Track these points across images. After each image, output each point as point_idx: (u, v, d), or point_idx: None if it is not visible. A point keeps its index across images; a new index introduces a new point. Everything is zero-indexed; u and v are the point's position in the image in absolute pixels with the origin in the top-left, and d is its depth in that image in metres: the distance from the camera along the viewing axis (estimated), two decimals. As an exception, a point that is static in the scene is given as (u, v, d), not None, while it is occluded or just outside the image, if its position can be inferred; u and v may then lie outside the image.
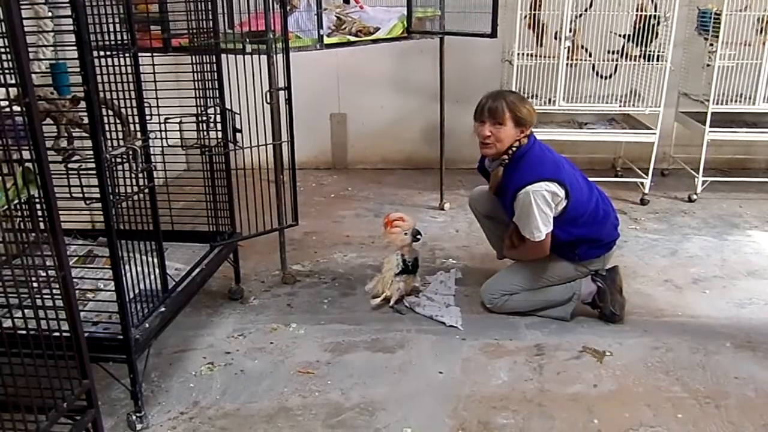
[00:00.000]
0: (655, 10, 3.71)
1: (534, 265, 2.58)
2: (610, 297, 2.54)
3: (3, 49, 1.33)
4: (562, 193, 2.40)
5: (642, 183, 3.97)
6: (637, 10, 3.73)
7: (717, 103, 3.78)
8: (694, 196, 3.98)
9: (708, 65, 3.85)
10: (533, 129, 2.52)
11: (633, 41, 3.75)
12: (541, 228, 2.42)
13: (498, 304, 2.60)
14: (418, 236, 2.72)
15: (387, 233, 2.71)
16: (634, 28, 3.75)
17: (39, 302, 1.42)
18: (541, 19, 3.78)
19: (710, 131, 3.83)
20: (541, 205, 2.39)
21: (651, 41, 3.72)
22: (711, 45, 3.80)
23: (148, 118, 2.02)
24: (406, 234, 2.69)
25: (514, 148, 2.48)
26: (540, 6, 3.74)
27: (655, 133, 3.83)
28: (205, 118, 2.40)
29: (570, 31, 3.70)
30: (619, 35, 3.78)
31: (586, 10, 3.76)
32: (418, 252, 2.77)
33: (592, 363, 2.30)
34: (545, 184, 2.39)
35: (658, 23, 3.69)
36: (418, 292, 2.80)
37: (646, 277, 2.97)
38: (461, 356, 2.35)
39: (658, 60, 3.74)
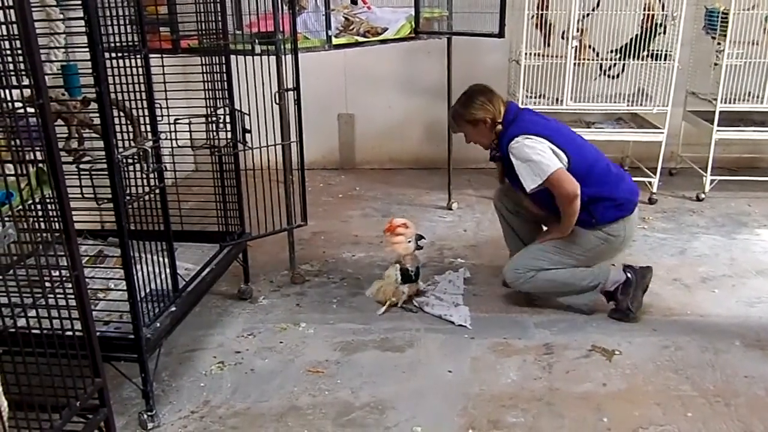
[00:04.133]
0: (663, 10, 3.70)
1: (557, 240, 2.55)
2: (633, 292, 2.53)
3: (16, 51, 1.35)
4: (543, 144, 2.41)
5: (650, 182, 3.96)
6: (644, 10, 3.72)
7: (725, 102, 3.77)
8: (703, 195, 3.96)
9: (716, 64, 3.84)
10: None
11: (639, 41, 3.74)
12: (547, 163, 2.38)
13: (521, 281, 2.56)
14: (421, 242, 2.73)
15: (390, 241, 2.70)
16: (642, 27, 3.74)
17: (52, 302, 1.43)
18: (548, 19, 3.78)
19: (718, 130, 3.81)
20: (533, 145, 2.40)
21: (655, 39, 3.71)
22: (719, 44, 3.79)
23: (158, 118, 2.03)
24: (409, 241, 2.69)
25: (497, 133, 2.55)
26: (547, 6, 3.74)
27: (663, 132, 3.82)
28: (214, 118, 2.41)
29: (577, 30, 3.70)
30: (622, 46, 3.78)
31: (593, 10, 3.75)
32: (420, 260, 2.76)
33: (602, 362, 2.30)
34: (523, 136, 2.43)
35: (662, 26, 3.69)
36: (423, 293, 2.79)
37: (654, 276, 2.93)
38: (470, 355, 2.35)
39: (665, 59, 3.73)
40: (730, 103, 3.78)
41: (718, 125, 3.80)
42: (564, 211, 2.47)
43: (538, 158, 2.39)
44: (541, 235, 2.67)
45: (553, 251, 2.55)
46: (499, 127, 2.53)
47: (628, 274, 2.56)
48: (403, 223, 2.71)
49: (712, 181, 3.93)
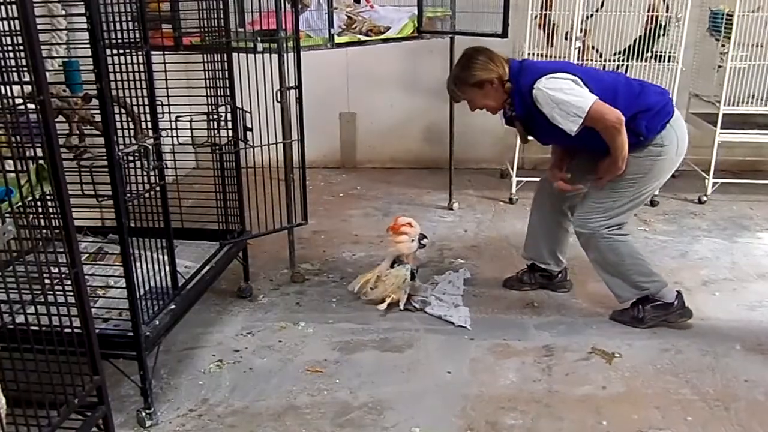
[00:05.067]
0: (667, 11, 3.69)
1: (616, 180, 2.40)
2: (663, 316, 2.50)
3: (17, 47, 1.34)
4: (567, 79, 2.27)
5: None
6: (648, 11, 3.71)
7: (728, 105, 3.76)
8: (705, 198, 3.95)
9: (719, 66, 3.82)
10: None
11: (643, 42, 3.73)
12: (580, 98, 2.23)
13: (593, 226, 2.43)
14: (424, 241, 2.72)
15: (394, 240, 2.69)
16: (645, 28, 3.73)
17: (51, 299, 1.43)
18: (551, 20, 3.77)
19: (721, 133, 3.80)
20: (558, 86, 2.24)
21: (658, 41, 3.70)
22: (723, 46, 3.77)
23: (159, 116, 2.03)
24: (413, 241, 2.68)
25: (507, 92, 2.39)
26: (551, 6, 3.72)
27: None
28: (215, 116, 2.41)
29: (581, 31, 3.69)
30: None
31: (597, 11, 3.74)
32: (420, 260, 2.75)
33: (601, 364, 2.30)
34: (544, 78, 2.27)
35: (665, 29, 3.68)
36: (418, 292, 2.78)
37: (655, 278, 2.96)
38: (469, 356, 2.35)
39: (669, 61, 3.72)
40: (733, 105, 3.77)
41: (721, 128, 3.79)
42: (613, 144, 2.28)
43: (569, 97, 2.23)
44: (599, 174, 2.43)
45: (613, 186, 2.40)
46: (508, 84, 2.37)
47: (676, 301, 2.51)
48: (408, 223, 2.70)
49: (714, 183, 3.92)
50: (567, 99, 2.24)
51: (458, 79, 2.45)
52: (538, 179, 3.69)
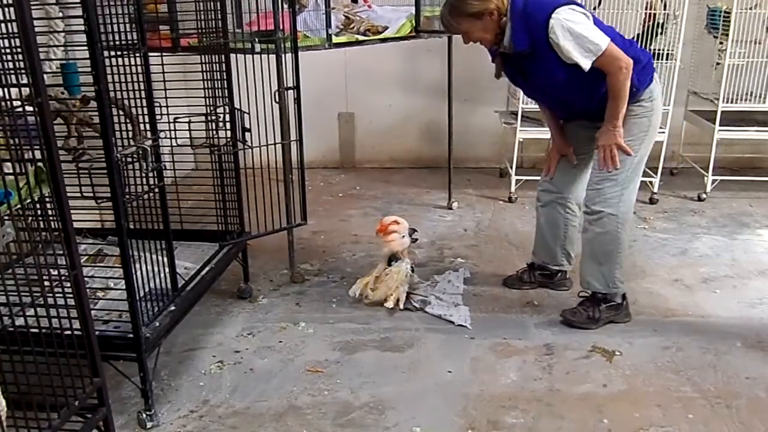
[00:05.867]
0: (665, 9, 3.69)
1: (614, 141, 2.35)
2: (612, 316, 2.52)
3: (15, 49, 1.34)
4: (584, 15, 2.22)
5: (651, 182, 3.95)
6: (646, 9, 3.71)
7: (727, 102, 3.76)
8: (704, 195, 3.95)
9: (718, 64, 3.83)
10: None
11: (641, 40, 3.73)
12: (597, 35, 2.18)
13: (622, 205, 2.39)
14: (415, 235, 2.74)
15: (385, 240, 2.69)
16: (643, 26, 3.73)
17: (51, 301, 1.43)
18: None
19: (720, 130, 3.80)
20: (576, 19, 2.18)
21: (656, 38, 3.70)
22: (721, 43, 3.77)
23: (157, 117, 2.02)
24: (403, 236, 2.69)
25: (502, 27, 2.30)
26: (548, 4, 3.72)
27: (664, 132, 3.80)
28: (214, 117, 2.41)
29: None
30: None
31: (594, 9, 3.74)
32: (415, 254, 2.76)
33: (602, 363, 2.29)
34: (563, 8, 2.19)
35: (663, 27, 3.67)
36: (415, 289, 2.78)
37: (655, 276, 2.96)
38: (470, 355, 2.34)
39: (667, 58, 3.72)
40: (732, 102, 3.77)
41: (720, 125, 3.79)
42: (617, 90, 2.24)
43: (588, 32, 2.18)
44: (599, 138, 2.38)
45: (620, 154, 2.36)
46: (504, 19, 2.28)
47: (624, 302, 2.55)
48: (394, 221, 2.72)
49: (713, 181, 3.92)
50: (586, 34, 2.19)
51: (454, 9, 2.31)
52: (537, 178, 3.70)
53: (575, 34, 2.19)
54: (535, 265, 2.84)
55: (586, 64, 2.21)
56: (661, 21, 3.70)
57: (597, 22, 2.31)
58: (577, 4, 2.27)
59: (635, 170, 2.43)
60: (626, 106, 2.30)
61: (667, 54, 3.72)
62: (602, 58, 2.20)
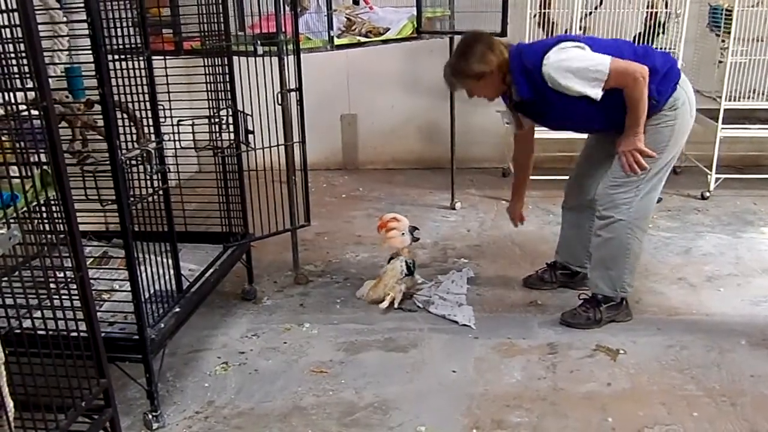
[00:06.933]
0: (666, 7, 3.69)
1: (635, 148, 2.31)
2: (613, 316, 2.52)
3: (20, 54, 1.36)
4: (574, 47, 2.21)
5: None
6: (647, 7, 3.71)
7: (729, 100, 3.76)
8: (707, 194, 3.95)
9: (720, 62, 3.82)
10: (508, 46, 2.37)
11: (643, 39, 3.73)
12: (595, 60, 2.16)
13: (633, 214, 2.35)
14: (416, 233, 2.75)
15: (385, 238, 2.71)
16: (645, 25, 3.73)
17: (57, 303, 1.44)
18: (550, 18, 3.77)
19: (723, 128, 3.80)
20: (566, 56, 2.18)
21: (658, 37, 3.70)
22: (723, 41, 3.77)
23: (161, 120, 2.04)
24: (404, 234, 2.70)
25: (508, 83, 2.34)
26: (550, 4, 3.73)
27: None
28: (217, 119, 2.42)
29: (580, 29, 3.69)
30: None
31: (596, 8, 3.74)
32: (415, 254, 2.77)
33: (606, 361, 2.30)
34: (552, 52, 2.20)
35: (664, 25, 3.67)
36: (419, 290, 2.79)
37: (659, 275, 2.96)
38: (474, 355, 2.35)
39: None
40: (734, 100, 3.77)
41: (723, 123, 3.78)
42: (634, 100, 2.18)
43: (584, 62, 2.17)
44: (620, 148, 2.32)
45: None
46: (506, 66, 2.30)
47: (624, 302, 2.54)
48: (393, 218, 2.74)
49: (717, 179, 3.92)
50: (583, 65, 2.17)
51: (456, 71, 2.37)
52: (539, 178, 3.70)
53: (574, 70, 2.18)
54: (557, 264, 2.83)
55: (596, 93, 2.19)
56: (662, 19, 3.70)
57: (598, 46, 2.26)
58: (569, 39, 2.26)
59: (653, 180, 2.37)
60: (649, 119, 2.27)
61: (669, 52, 3.71)
62: (610, 80, 2.17)
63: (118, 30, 1.79)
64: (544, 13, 3.74)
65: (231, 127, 2.49)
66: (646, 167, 2.32)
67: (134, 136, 1.93)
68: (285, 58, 2.58)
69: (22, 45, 1.32)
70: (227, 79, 2.46)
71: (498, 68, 2.32)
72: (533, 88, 2.30)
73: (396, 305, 2.66)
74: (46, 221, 1.47)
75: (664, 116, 2.32)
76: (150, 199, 1.98)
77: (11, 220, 1.30)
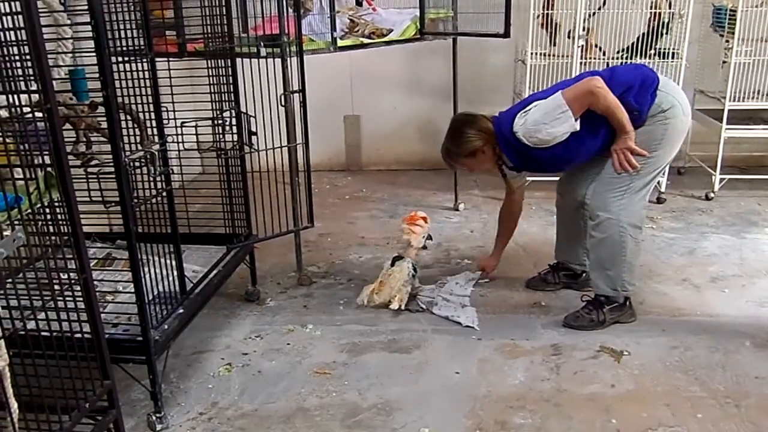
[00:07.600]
0: (670, 8, 3.68)
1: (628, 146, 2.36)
2: (617, 317, 2.51)
3: (24, 56, 1.36)
4: (530, 105, 2.39)
5: (658, 181, 3.92)
6: (651, 8, 3.70)
7: (734, 100, 3.75)
8: (712, 194, 3.94)
9: (724, 62, 3.81)
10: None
11: (646, 39, 3.73)
12: (552, 98, 2.31)
13: (623, 217, 2.39)
14: (428, 242, 2.84)
15: (409, 228, 2.75)
16: (649, 25, 3.72)
17: (61, 304, 1.44)
18: (554, 19, 3.76)
19: (727, 128, 3.79)
20: (526, 116, 2.35)
21: (662, 38, 3.69)
22: (727, 42, 3.76)
23: (164, 122, 2.04)
24: (423, 237, 2.73)
25: (496, 147, 2.53)
26: (553, 5, 3.73)
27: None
28: (220, 121, 2.42)
29: (583, 29, 3.68)
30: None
31: (599, 9, 3.74)
32: (418, 256, 2.82)
33: (610, 363, 2.29)
34: (516, 118, 2.39)
35: (668, 26, 3.66)
36: (420, 291, 2.79)
37: (663, 276, 2.95)
38: (477, 356, 2.35)
39: (673, 57, 3.71)
40: (738, 101, 3.76)
41: (727, 123, 3.77)
42: (605, 107, 2.27)
43: (543, 109, 2.33)
44: (615, 147, 2.38)
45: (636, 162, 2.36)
46: (493, 140, 2.51)
47: (627, 302, 2.54)
48: (423, 217, 2.79)
49: (721, 179, 3.90)
50: (543, 111, 2.33)
51: (450, 153, 2.61)
52: (542, 179, 3.70)
53: (538, 121, 2.33)
54: (559, 266, 2.83)
55: (572, 126, 2.30)
56: (666, 20, 3.69)
57: (561, 83, 2.45)
58: (528, 102, 2.43)
59: (644, 179, 2.40)
60: (638, 126, 2.34)
61: (673, 53, 3.71)
62: (574, 108, 2.28)
63: (122, 32, 1.79)
64: (548, 14, 3.74)
65: (234, 129, 2.50)
66: (637, 166, 2.36)
67: (138, 138, 1.93)
68: (288, 59, 2.58)
69: (26, 47, 1.33)
70: (230, 81, 2.47)
71: (487, 143, 2.52)
72: (516, 153, 2.47)
73: (403, 307, 2.66)
74: (50, 223, 1.47)
75: (654, 120, 2.37)
76: (153, 200, 1.98)
77: (16, 222, 1.31)
